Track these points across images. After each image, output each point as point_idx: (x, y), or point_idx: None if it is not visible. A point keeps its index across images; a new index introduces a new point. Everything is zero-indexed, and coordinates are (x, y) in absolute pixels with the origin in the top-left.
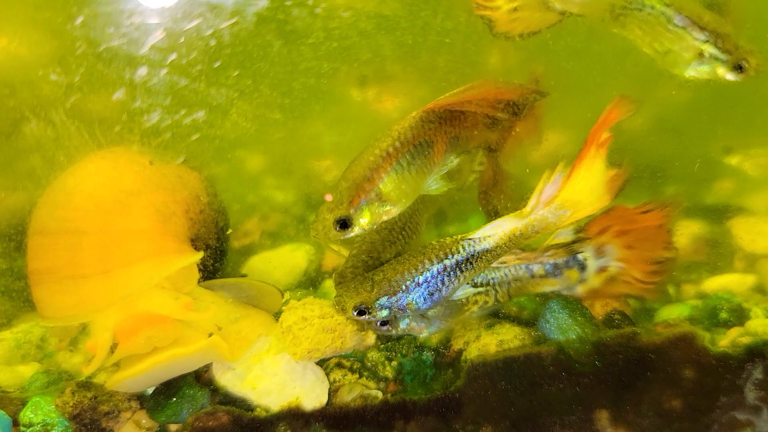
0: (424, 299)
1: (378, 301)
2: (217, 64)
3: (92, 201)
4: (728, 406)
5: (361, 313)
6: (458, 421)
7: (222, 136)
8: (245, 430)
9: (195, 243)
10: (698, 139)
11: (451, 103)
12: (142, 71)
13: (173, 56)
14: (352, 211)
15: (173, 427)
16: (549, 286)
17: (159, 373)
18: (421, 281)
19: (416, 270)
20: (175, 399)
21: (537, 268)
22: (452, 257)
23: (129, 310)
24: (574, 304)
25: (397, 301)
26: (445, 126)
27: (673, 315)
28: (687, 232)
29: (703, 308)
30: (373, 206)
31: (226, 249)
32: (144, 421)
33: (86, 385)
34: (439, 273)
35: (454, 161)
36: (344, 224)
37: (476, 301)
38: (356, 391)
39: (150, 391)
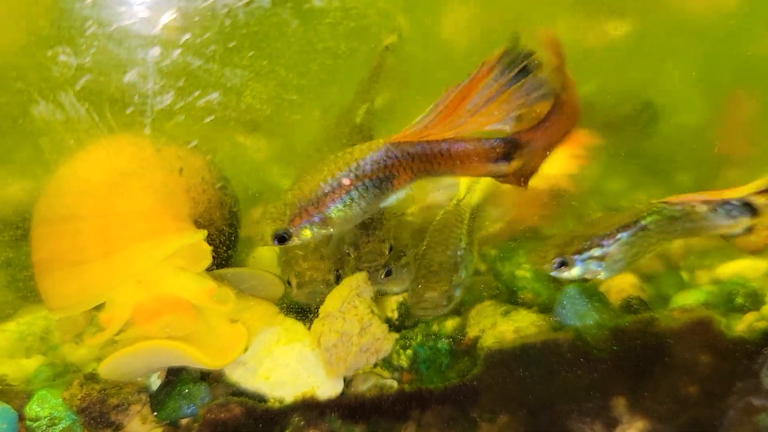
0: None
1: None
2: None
3: (89, 186)
4: (744, 391)
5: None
6: (475, 410)
7: (236, 118)
8: (258, 422)
9: (207, 228)
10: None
11: (424, 136)
12: (155, 51)
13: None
14: (291, 229)
15: (184, 420)
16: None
17: (153, 359)
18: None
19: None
20: (172, 396)
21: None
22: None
23: (152, 291)
24: (590, 290)
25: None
26: (414, 163)
27: (689, 301)
28: None
29: (719, 294)
30: (313, 227)
31: (238, 234)
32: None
33: (94, 377)
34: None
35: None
36: (282, 238)
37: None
38: (371, 380)
39: (155, 387)
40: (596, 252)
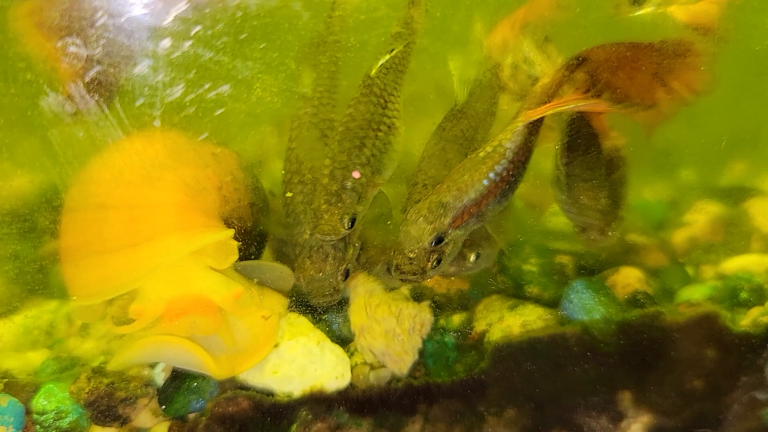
0: None
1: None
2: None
3: (120, 175)
4: (749, 386)
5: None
6: (482, 404)
7: (247, 111)
8: (266, 416)
9: (236, 226)
10: (711, 119)
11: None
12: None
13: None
14: (450, 231)
15: (191, 414)
16: None
17: (171, 356)
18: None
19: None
20: (181, 391)
21: None
22: None
23: (184, 289)
24: (597, 284)
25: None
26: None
27: (694, 296)
28: (705, 212)
29: (723, 288)
30: (468, 226)
31: (266, 235)
32: (162, 407)
33: (102, 371)
34: None
35: None
36: (439, 240)
37: None
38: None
39: (160, 381)
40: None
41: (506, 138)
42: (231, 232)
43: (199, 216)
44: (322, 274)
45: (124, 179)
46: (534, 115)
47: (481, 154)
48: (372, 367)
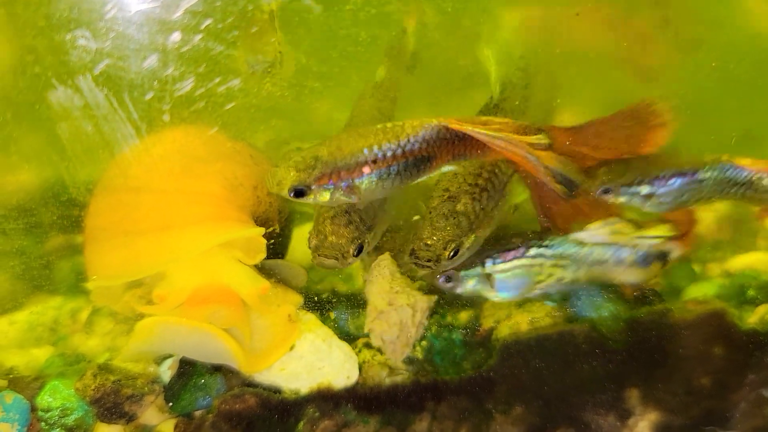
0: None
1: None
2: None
3: (161, 163)
4: (756, 384)
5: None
6: (490, 401)
7: (257, 105)
8: (273, 413)
9: (271, 228)
10: (721, 115)
11: (477, 134)
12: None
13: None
14: (314, 186)
15: (198, 412)
16: (632, 277)
17: (193, 343)
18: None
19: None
20: (188, 388)
21: (627, 254)
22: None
23: (211, 278)
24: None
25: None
26: (457, 147)
27: (702, 293)
28: (712, 209)
29: (731, 286)
30: (336, 192)
31: (288, 243)
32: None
33: (108, 367)
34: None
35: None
36: (299, 192)
37: (551, 274)
38: (386, 371)
39: (166, 378)
40: (644, 190)
41: (412, 125)
42: (261, 230)
43: (234, 210)
44: (335, 237)
45: (164, 167)
46: (456, 126)
47: (380, 126)
48: (390, 372)
